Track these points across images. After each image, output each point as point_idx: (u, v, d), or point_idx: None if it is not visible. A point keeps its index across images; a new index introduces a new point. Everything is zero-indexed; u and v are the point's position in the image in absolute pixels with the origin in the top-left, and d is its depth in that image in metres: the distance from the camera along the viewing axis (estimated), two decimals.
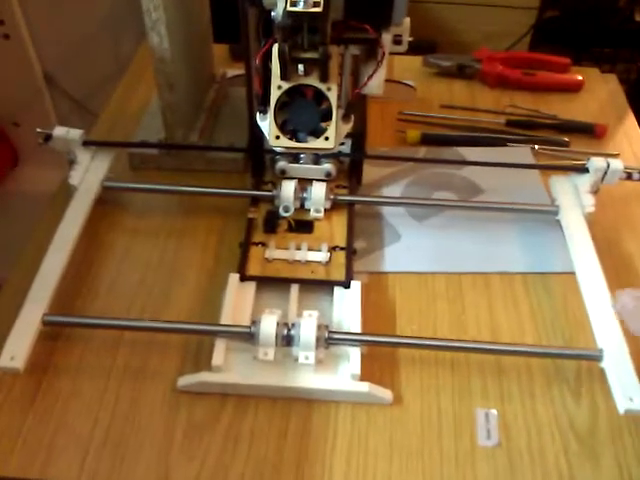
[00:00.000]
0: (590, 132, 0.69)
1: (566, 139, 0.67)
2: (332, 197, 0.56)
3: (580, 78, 0.76)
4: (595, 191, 0.56)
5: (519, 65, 0.76)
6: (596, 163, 0.55)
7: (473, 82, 0.77)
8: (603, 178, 0.56)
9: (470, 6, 1.15)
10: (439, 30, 1.17)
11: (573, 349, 0.47)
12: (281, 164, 0.57)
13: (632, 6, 1.78)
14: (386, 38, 0.49)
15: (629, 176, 0.56)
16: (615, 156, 0.67)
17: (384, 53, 0.48)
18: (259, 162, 0.59)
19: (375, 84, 0.50)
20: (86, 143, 0.58)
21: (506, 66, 0.75)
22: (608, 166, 0.55)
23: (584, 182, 0.56)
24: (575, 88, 0.76)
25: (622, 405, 0.41)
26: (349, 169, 0.60)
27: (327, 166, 0.56)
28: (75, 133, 0.57)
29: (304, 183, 0.56)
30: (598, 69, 0.81)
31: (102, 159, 0.59)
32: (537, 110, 0.72)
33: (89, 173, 0.57)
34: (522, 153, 0.66)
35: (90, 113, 1.12)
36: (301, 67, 0.49)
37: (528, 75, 0.75)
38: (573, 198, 0.56)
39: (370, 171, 0.62)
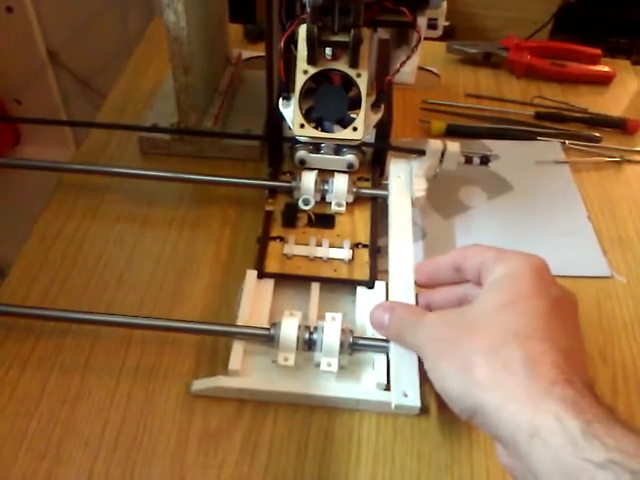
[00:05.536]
0: (621, 127, 0.66)
1: (597, 134, 0.64)
2: (355, 190, 0.53)
3: (611, 70, 0.73)
4: (434, 175, 0.53)
5: (547, 55, 0.73)
6: (432, 145, 0.52)
7: (499, 70, 0.74)
8: (442, 162, 0.52)
9: None
10: (456, 14, 1.13)
11: (367, 339, 0.42)
12: (301, 153, 0.53)
13: None
14: (421, 22, 0.45)
15: (469, 160, 0.53)
16: None
17: (420, 38, 0.44)
18: (277, 151, 0.56)
19: (407, 71, 0.47)
20: None
21: (534, 55, 0.72)
22: (445, 149, 0.52)
23: (419, 165, 0.53)
24: (606, 80, 0.73)
25: (394, 399, 0.38)
26: (372, 160, 0.57)
27: (349, 157, 0.53)
28: None
29: (325, 175, 0.53)
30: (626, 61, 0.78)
31: None
32: (567, 102, 0.69)
33: None
34: (551, 148, 0.63)
35: (94, 92, 1.08)
36: (329, 51, 0.45)
37: (557, 65, 0.72)
38: (405, 182, 0.53)
39: None
